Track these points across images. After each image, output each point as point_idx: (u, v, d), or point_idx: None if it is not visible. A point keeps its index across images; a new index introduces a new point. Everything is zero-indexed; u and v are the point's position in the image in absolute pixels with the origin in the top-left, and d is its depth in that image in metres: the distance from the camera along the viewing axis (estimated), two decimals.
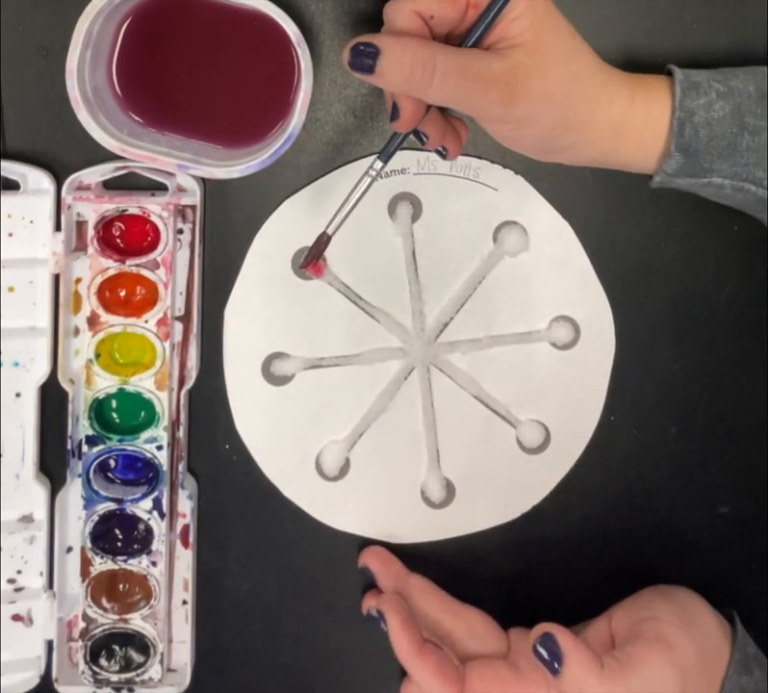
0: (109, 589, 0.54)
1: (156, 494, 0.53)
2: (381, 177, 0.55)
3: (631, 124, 0.47)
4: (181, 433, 0.55)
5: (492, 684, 0.48)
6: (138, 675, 0.54)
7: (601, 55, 0.54)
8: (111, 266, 0.53)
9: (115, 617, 0.54)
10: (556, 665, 0.46)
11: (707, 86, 0.47)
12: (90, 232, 0.52)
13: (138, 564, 0.54)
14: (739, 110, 0.46)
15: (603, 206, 0.56)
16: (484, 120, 0.47)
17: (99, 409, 0.54)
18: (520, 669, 0.49)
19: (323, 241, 0.48)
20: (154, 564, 0.54)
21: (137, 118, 0.51)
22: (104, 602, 0.54)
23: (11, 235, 0.54)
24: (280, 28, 0.47)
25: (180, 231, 0.54)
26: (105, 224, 0.53)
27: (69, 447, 0.54)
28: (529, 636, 0.48)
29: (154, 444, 0.53)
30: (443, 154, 0.49)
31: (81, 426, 0.53)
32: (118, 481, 0.55)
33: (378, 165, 0.47)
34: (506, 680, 0.49)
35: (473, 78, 0.43)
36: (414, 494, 0.57)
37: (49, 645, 0.55)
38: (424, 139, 0.48)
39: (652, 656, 0.47)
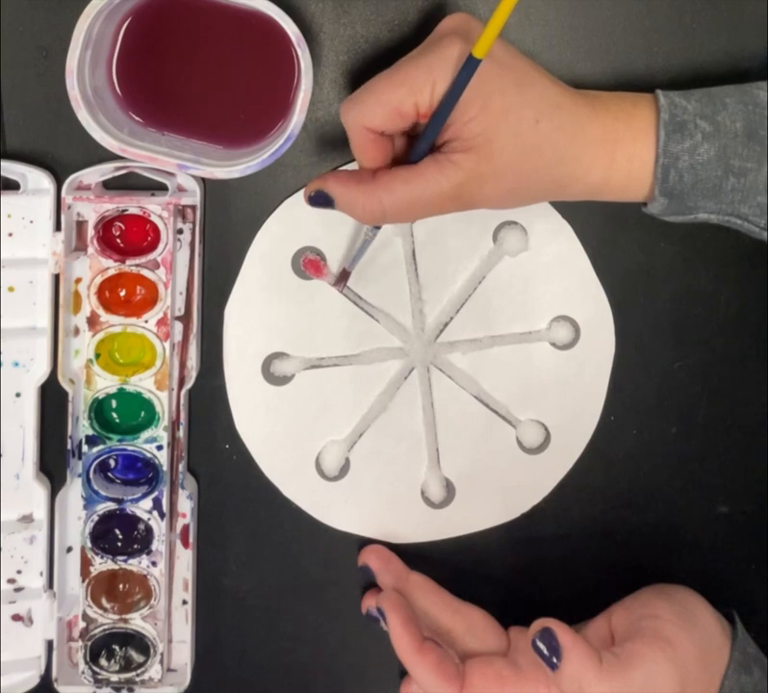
0: (109, 589, 0.54)
1: (156, 494, 0.53)
2: None
3: (612, 182, 0.47)
4: (181, 433, 0.55)
5: (491, 682, 0.48)
6: (138, 675, 0.54)
7: (601, 56, 0.54)
8: (111, 266, 0.53)
9: (115, 617, 0.54)
10: (555, 660, 0.46)
11: (693, 126, 0.46)
12: (90, 232, 0.52)
13: (138, 564, 0.54)
14: (725, 152, 0.45)
15: (603, 206, 0.55)
16: None
17: (99, 409, 0.54)
18: (519, 666, 0.49)
19: (345, 276, 0.54)
20: (154, 564, 0.54)
21: (137, 118, 0.51)
22: (104, 602, 0.54)
23: (11, 235, 0.54)
24: (280, 28, 0.47)
25: (180, 231, 0.54)
26: (105, 224, 0.53)
27: (69, 447, 0.54)
28: (528, 631, 0.48)
29: (154, 444, 0.53)
30: None
31: (81, 426, 0.53)
32: (118, 481, 0.55)
33: (373, 232, 0.52)
34: (506, 677, 0.49)
35: (423, 206, 0.46)
36: (414, 494, 0.57)
37: (49, 645, 0.55)
38: None
39: (651, 654, 0.47)
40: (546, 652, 0.47)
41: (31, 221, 0.54)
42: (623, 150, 0.46)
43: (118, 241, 0.54)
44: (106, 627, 0.54)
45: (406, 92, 0.44)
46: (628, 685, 0.46)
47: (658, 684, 0.46)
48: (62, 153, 0.53)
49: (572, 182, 0.47)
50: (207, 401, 0.56)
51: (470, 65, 0.42)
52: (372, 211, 0.46)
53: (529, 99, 0.45)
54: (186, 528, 0.55)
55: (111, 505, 0.53)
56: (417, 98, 0.44)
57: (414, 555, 0.56)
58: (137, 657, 0.55)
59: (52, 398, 0.54)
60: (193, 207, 0.54)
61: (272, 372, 0.56)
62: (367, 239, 0.52)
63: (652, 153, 0.46)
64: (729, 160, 0.45)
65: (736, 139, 0.45)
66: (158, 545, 0.54)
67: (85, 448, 0.53)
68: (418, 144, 0.46)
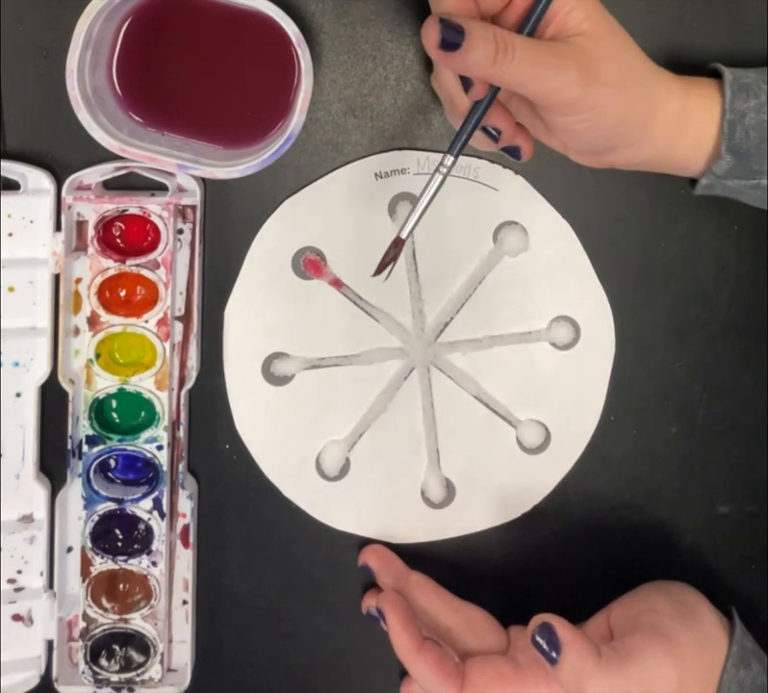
0: (109, 589, 0.54)
1: (156, 494, 0.53)
2: (381, 177, 0.55)
3: (689, 119, 0.47)
4: (181, 433, 0.55)
5: (492, 680, 0.48)
6: (138, 675, 0.54)
7: None
8: (111, 266, 0.53)
9: (116, 617, 0.54)
10: (554, 654, 0.46)
11: (757, 87, 0.47)
12: (90, 232, 0.52)
13: (138, 564, 0.54)
14: None
15: (603, 206, 0.56)
16: (558, 108, 0.45)
17: (99, 409, 0.54)
18: (519, 664, 0.49)
19: (399, 245, 0.47)
20: (154, 564, 0.54)
21: (137, 118, 0.51)
22: (104, 602, 0.54)
23: (11, 235, 0.54)
24: (280, 28, 0.47)
25: (180, 231, 0.54)
26: (105, 224, 0.53)
27: (69, 447, 0.54)
28: (528, 627, 0.48)
29: (154, 444, 0.53)
30: (516, 154, 0.49)
31: (81, 426, 0.53)
32: (118, 481, 0.55)
33: (449, 160, 0.46)
34: (506, 675, 0.49)
35: (550, 56, 0.43)
36: (414, 494, 0.57)
37: (49, 645, 0.55)
38: (497, 134, 0.47)
39: (650, 648, 0.47)
40: (545, 646, 0.47)
41: (31, 221, 0.54)
42: (694, 90, 0.47)
43: (118, 241, 0.54)
44: (106, 627, 0.54)
45: None
46: (627, 679, 0.46)
47: (657, 678, 0.46)
48: (62, 153, 0.53)
49: (657, 103, 0.46)
50: (207, 401, 0.56)
51: None
52: (504, 43, 0.42)
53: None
54: (186, 528, 0.55)
55: (111, 505, 0.53)
56: None
57: (414, 555, 0.56)
58: (137, 657, 0.55)
59: (52, 398, 0.54)
60: (193, 207, 0.54)
61: (272, 372, 0.56)
62: (441, 174, 0.45)
63: (718, 108, 0.47)
64: None
65: None
66: (158, 545, 0.54)
67: (85, 448, 0.53)
68: (525, 22, 0.44)
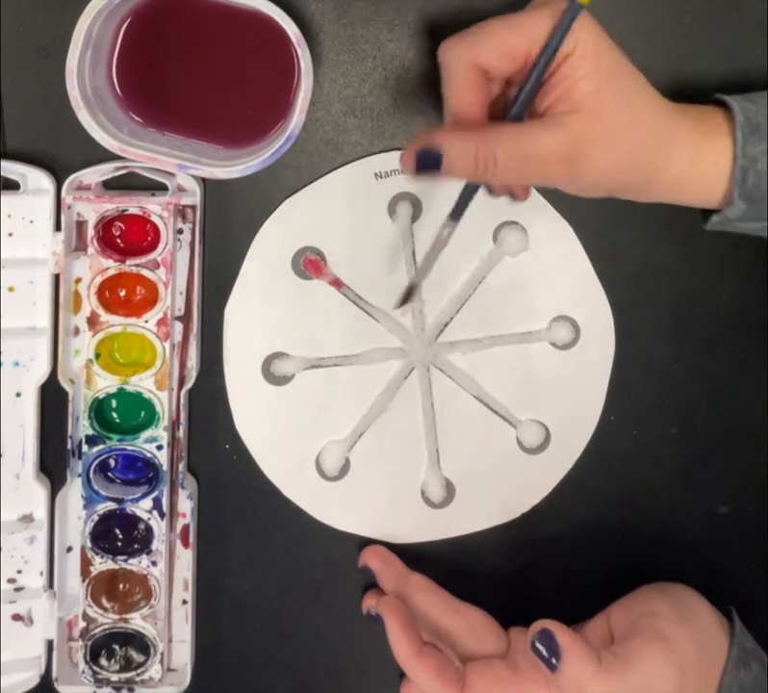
0: (109, 589, 0.55)
1: (156, 494, 0.53)
2: (381, 177, 0.55)
3: (696, 176, 0.47)
4: (181, 433, 0.55)
5: (492, 684, 0.48)
6: (138, 674, 0.54)
7: None
8: (111, 266, 0.53)
9: (116, 617, 0.54)
10: (554, 661, 0.46)
11: (766, 129, 0.46)
12: (90, 232, 0.52)
13: (138, 564, 0.54)
14: None
15: (603, 206, 0.55)
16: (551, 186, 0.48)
17: (99, 409, 0.54)
18: (519, 668, 0.49)
19: (413, 290, 0.51)
20: (154, 564, 0.54)
21: (137, 118, 0.51)
22: (104, 601, 0.54)
23: (11, 235, 0.54)
24: (280, 28, 0.47)
25: (180, 231, 0.54)
26: (105, 224, 0.53)
27: (69, 446, 0.54)
28: (527, 633, 0.48)
29: (154, 443, 0.53)
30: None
31: (81, 426, 0.53)
32: (118, 481, 0.55)
33: (450, 228, 0.49)
34: (506, 679, 0.49)
35: (536, 161, 0.44)
36: (414, 494, 0.57)
37: (49, 645, 0.55)
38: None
39: (650, 651, 0.47)
40: (545, 653, 0.47)
41: (31, 221, 0.54)
42: (706, 143, 0.47)
43: (118, 241, 0.54)
44: (106, 626, 0.54)
45: (523, 35, 0.44)
46: (628, 684, 0.46)
47: (657, 682, 0.46)
48: (62, 153, 0.53)
49: (662, 170, 0.46)
50: (207, 401, 0.56)
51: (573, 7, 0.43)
52: (485, 159, 0.44)
53: (633, 68, 0.46)
54: (186, 528, 0.55)
55: (111, 505, 0.53)
56: (531, 44, 0.44)
57: (414, 555, 0.56)
58: (137, 657, 0.55)
59: (52, 398, 0.54)
60: (193, 207, 0.54)
61: (272, 372, 0.56)
62: (441, 239, 0.49)
63: (730, 153, 0.46)
64: None
65: None
66: (158, 545, 0.54)
67: (85, 447, 0.53)
68: (523, 91, 0.45)
